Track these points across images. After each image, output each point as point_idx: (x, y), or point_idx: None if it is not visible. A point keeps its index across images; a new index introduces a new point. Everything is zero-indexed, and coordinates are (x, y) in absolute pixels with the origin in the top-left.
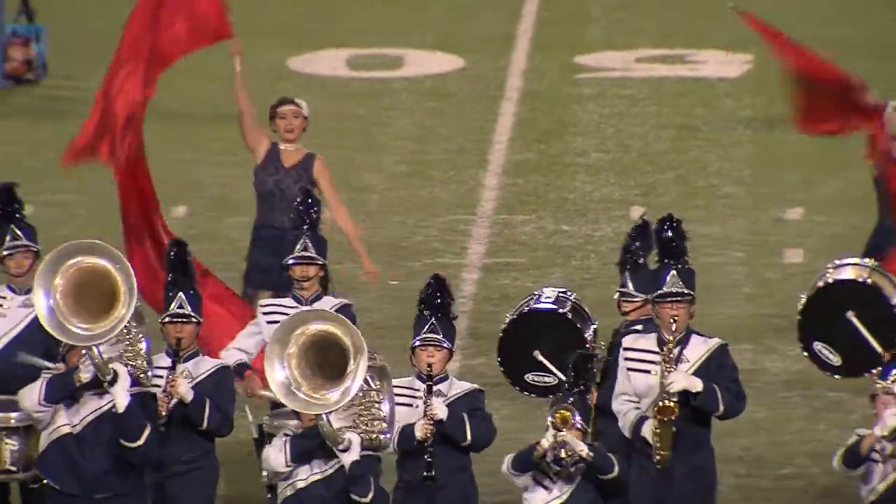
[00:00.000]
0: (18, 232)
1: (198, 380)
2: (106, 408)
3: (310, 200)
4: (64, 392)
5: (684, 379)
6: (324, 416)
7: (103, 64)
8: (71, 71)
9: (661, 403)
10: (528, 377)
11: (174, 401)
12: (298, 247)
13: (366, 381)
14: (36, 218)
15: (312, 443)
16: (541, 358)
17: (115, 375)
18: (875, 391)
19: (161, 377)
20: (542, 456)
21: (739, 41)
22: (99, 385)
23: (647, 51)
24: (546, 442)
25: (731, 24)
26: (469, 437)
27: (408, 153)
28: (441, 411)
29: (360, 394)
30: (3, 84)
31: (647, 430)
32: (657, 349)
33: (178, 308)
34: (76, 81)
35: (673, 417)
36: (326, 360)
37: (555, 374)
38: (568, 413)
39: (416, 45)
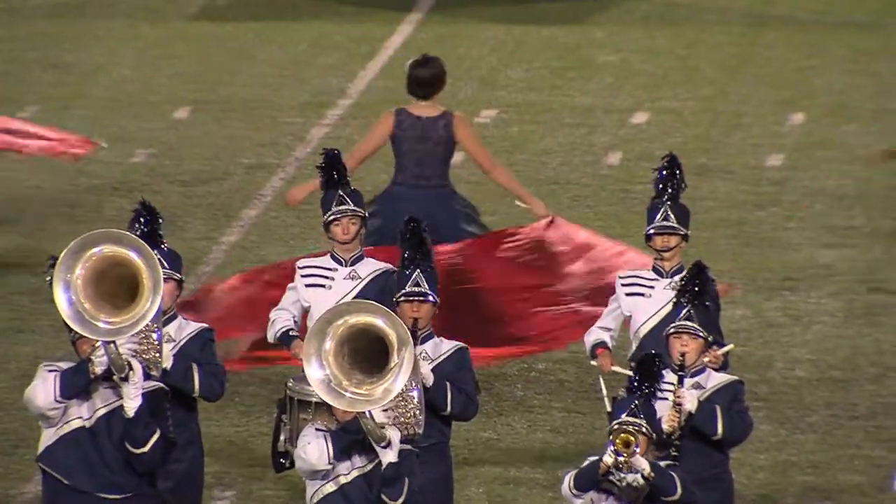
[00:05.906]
0: (346, 197)
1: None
2: (118, 403)
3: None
4: (80, 385)
5: None
6: (367, 412)
7: None
8: None
9: None
10: None
11: None
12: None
13: None
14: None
15: (355, 437)
16: None
17: (129, 373)
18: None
19: None
20: (605, 473)
21: None
22: (112, 378)
23: None
24: (609, 459)
25: None
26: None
27: None
28: (691, 403)
29: None
30: None
31: None
32: None
33: (414, 286)
34: None
35: None
36: (364, 353)
37: None
38: (631, 438)
39: None
